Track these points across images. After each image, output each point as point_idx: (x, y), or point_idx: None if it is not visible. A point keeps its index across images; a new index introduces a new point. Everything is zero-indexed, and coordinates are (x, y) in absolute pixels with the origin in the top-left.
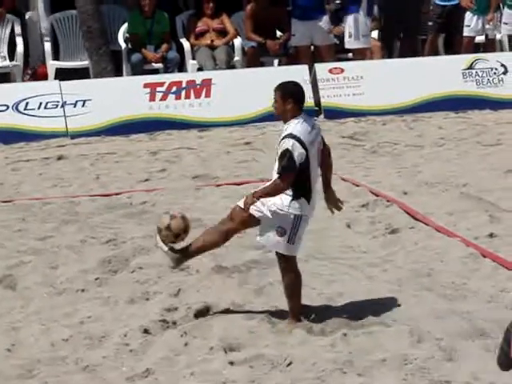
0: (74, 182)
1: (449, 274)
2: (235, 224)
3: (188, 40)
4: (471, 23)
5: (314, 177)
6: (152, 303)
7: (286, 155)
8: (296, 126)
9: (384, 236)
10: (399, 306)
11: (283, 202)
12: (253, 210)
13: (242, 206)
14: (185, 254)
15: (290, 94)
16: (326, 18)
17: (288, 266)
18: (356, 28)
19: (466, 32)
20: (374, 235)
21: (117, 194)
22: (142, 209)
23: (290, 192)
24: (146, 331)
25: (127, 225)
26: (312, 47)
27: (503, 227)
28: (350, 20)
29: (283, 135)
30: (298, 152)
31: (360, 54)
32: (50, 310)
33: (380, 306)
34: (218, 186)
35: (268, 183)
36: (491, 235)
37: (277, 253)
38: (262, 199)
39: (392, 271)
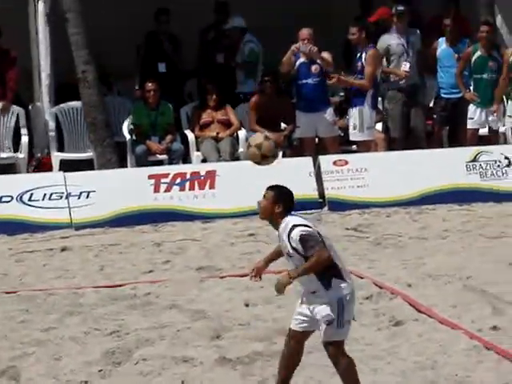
0: (78, 273)
1: (453, 366)
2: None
3: (192, 131)
4: (474, 116)
5: (335, 255)
6: None
7: (305, 238)
8: (292, 218)
9: (388, 328)
10: None
11: (320, 294)
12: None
13: (276, 290)
14: None
15: (282, 199)
16: (330, 110)
17: (340, 351)
18: (360, 120)
19: (470, 124)
20: (379, 327)
21: (121, 286)
22: (146, 300)
23: (321, 284)
24: None
25: (131, 316)
26: (316, 139)
27: (507, 319)
28: (354, 112)
29: (287, 231)
30: (310, 231)
31: (364, 146)
32: None
33: None
34: (222, 277)
35: (304, 265)
36: (495, 328)
37: (325, 343)
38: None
39: (396, 363)
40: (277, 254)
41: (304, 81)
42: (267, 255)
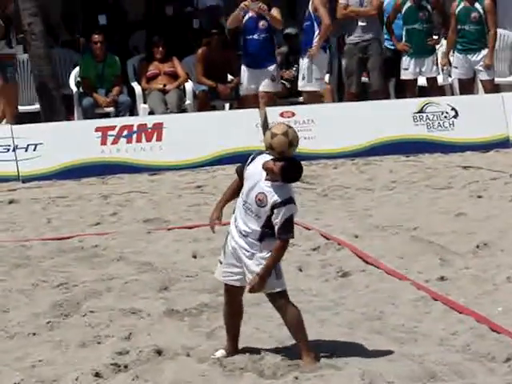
0: (25, 225)
1: (400, 317)
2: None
3: (139, 84)
4: (409, 66)
5: None
6: (103, 347)
7: (291, 221)
8: (288, 187)
9: (335, 279)
10: (351, 349)
11: (255, 249)
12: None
13: (250, 290)
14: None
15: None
16: (274, 67)
17: (285, 301)
18: (310, 71)
19: (404, 75)
20: (326, 278)
21: (68, 238)
22: (94, 252)
23: (257, 234)
24: (97, 375)
25: (78, 268)
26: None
27: (454, 270)
28: (304, 62)
29: (283, 198)
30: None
31: (312, 98)
32: (1, 354)
33: (331, 349)
34: (170, 229)
35: (269, 258)
36: (442, 278)
37: (269, 296)
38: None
39: (343, 314)
40: (233, 194)
41: (251, 36)
42: (223, 198)
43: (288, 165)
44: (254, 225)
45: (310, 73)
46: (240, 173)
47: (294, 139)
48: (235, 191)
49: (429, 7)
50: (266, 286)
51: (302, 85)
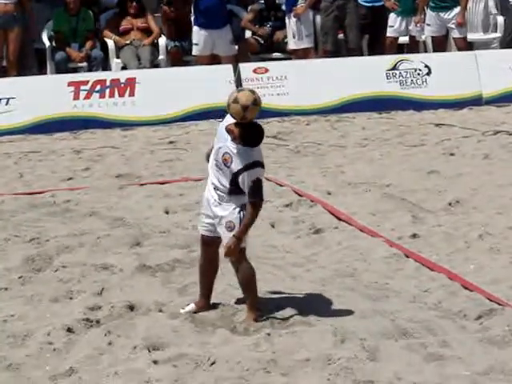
0: None
1: (372, 273)
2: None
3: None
4: (395, 24)
5: None
6: (75, 302)
7: (258, 185)
8: (253, 150)
9: (308, 236)
10: (323, 305)
11: (224, 201)
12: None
13: (226, 254)
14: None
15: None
16: (228, 28)
17: (241, 257)
18: (299, 28)
19: (389, 32)
20: (298, 235)
21: (40, 193)
22: (66, 207)
23: (226, 190)
24: (69, 330)
25: (51, 223)
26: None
27: (426, 228)
28: (292, 22)
29: (245, 163)
30: (263, 175)
31: (303, 54)
32: None
33: (304, 306)
34: (142, 185)
35: (244, 220)
36: (414, 235)
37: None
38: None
39: (316, 271)
40: None
41: None
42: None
43: (249, 130)
44: (223, 180)
45: (299, 31)
46: None
47: (259, 99)
48: None
49: None
50: (230, 241)
51: (294, 43)
